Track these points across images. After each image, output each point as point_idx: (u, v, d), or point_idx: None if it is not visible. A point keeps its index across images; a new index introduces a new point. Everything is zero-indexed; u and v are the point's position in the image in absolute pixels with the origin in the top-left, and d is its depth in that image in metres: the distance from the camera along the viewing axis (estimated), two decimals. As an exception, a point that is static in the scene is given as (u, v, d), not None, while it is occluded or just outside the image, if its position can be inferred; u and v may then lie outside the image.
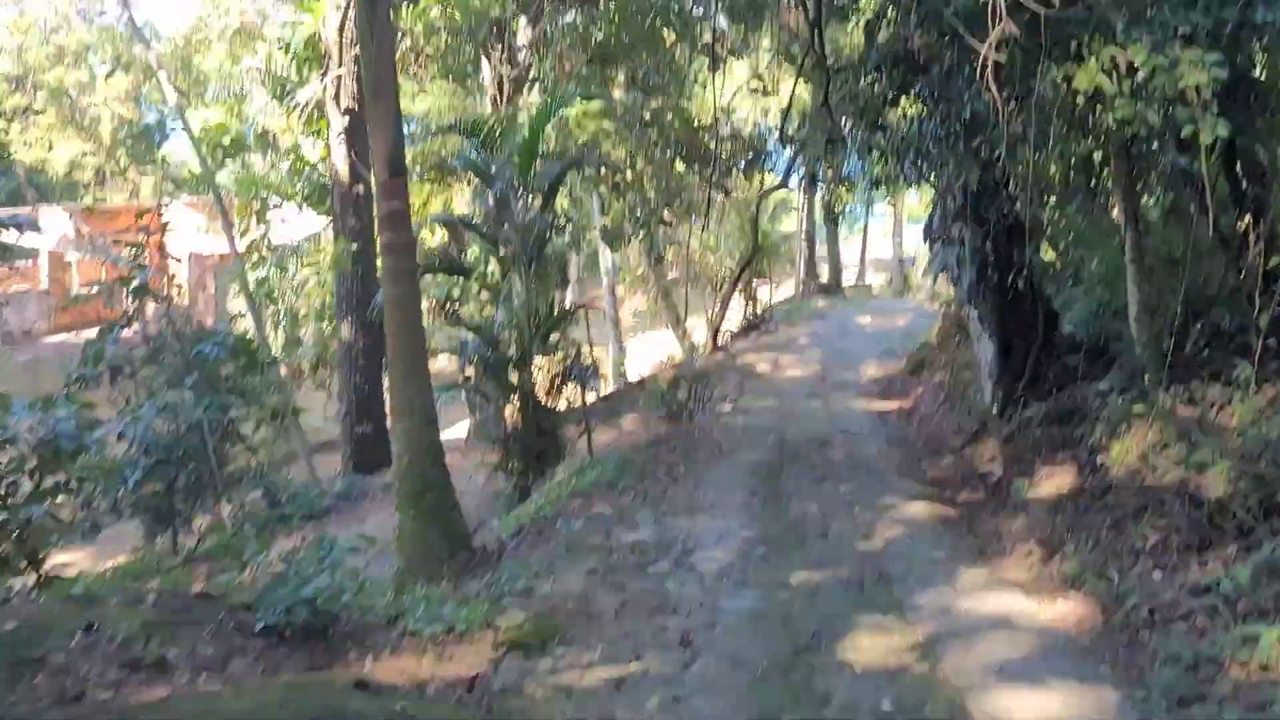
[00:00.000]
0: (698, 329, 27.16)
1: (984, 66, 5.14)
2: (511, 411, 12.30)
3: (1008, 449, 9.67)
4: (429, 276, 17.40)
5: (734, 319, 23.75)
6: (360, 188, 15.77)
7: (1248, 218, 7.98)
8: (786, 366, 19.66)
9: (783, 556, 7.22)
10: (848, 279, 32.31)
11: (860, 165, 21.24)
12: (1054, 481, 8.30)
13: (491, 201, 12.11)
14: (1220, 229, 8.00)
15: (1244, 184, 7.73)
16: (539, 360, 12.88)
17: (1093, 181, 8.15)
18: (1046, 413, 9.45)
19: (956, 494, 9.12)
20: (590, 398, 15.00)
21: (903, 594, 6.23)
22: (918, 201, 39.38)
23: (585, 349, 17.99)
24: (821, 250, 30.88)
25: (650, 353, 28.78)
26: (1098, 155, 7.63)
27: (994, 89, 5.25)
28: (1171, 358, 8.02)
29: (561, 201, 17.35)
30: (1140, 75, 5.45)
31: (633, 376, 26.00)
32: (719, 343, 21.68)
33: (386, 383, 10.86)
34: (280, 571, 5.27)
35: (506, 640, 5.10)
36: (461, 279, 14.72)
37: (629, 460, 10.49)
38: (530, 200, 12.49)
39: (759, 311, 23.82)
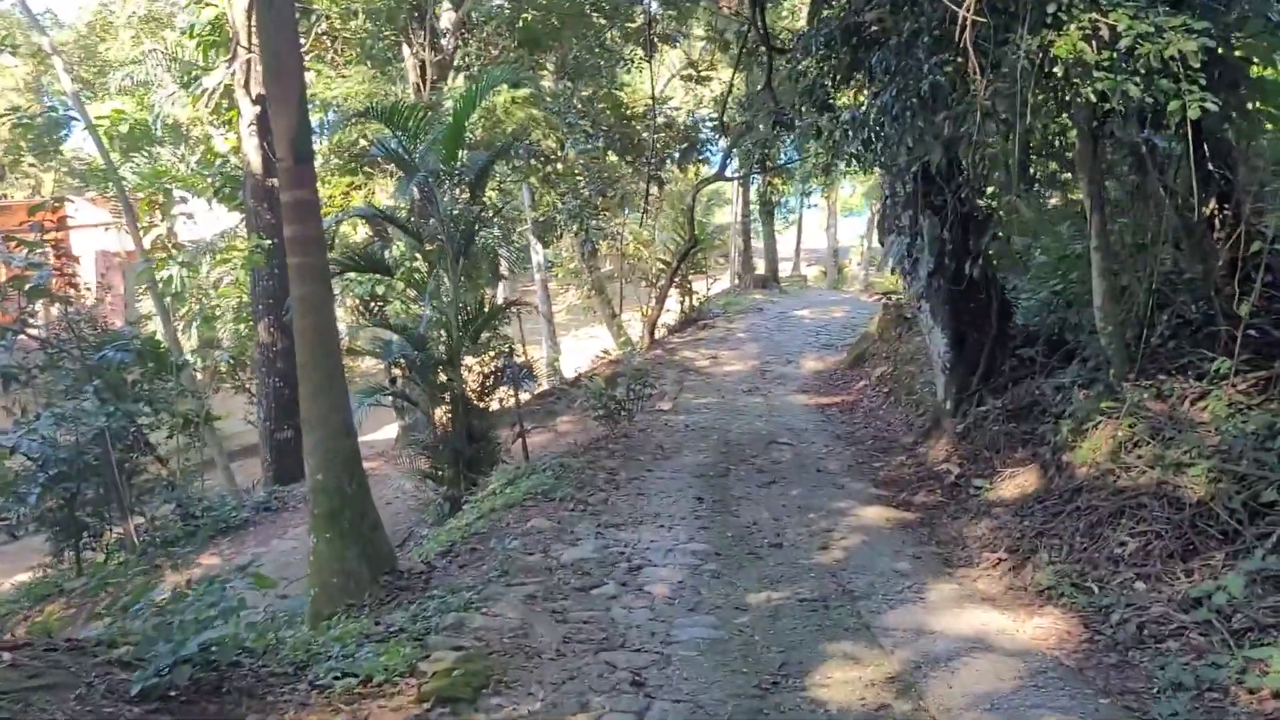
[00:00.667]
0: (633, 324, 26.59)
1: (962, 28, 4.62)
2: (441, 416, 11.57)
3: (963, 446, 9.25)
4: (353, 275, 16.62)
5: (671, 313, 23.23)
6: (274, 180, 14.82)
7: (1213, 202, 7.65)
8: (726, 361, 19.18)
9: (737, 572, 6.65)
10: (783, 271, 31.98)
11: (799, 154, 20.88)
12: (1017, 482, 7.88)
13: (417, 194, 11.32)
14: (1183, 214, 7.63)
15: (1209, 165, 7.35)
16: (469, 360, 12.18)
17: (1054, 163, 7.73)
18: (1003, 408, 9.04)
19: (913, 495, 8.65)
20: (525, 398, 14.33)
21: (870, 614, 5.70)
22: (851, 194, 39.43)
23: (518, 347, 17.32)
24: (756, 243, 30.53)
25: (585, 349, 28.14)
26: (1066, 134, 7.17)
27: (971, 53, 4.72)
28: (1137, 350, 7.65)
29: (490, 194, 16.61)
30: (1123, 44, 4.98)
31: (568, 374, 25.37)
32: (656, 338, 21.12)
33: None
34: (163, 619, 4.51)
35: (432, 692, 4.41)
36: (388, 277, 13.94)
37: (567, 466, 9.83)
38: (457, 191, 11.77)
39: (696, 305, 23.33)
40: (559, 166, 19.46)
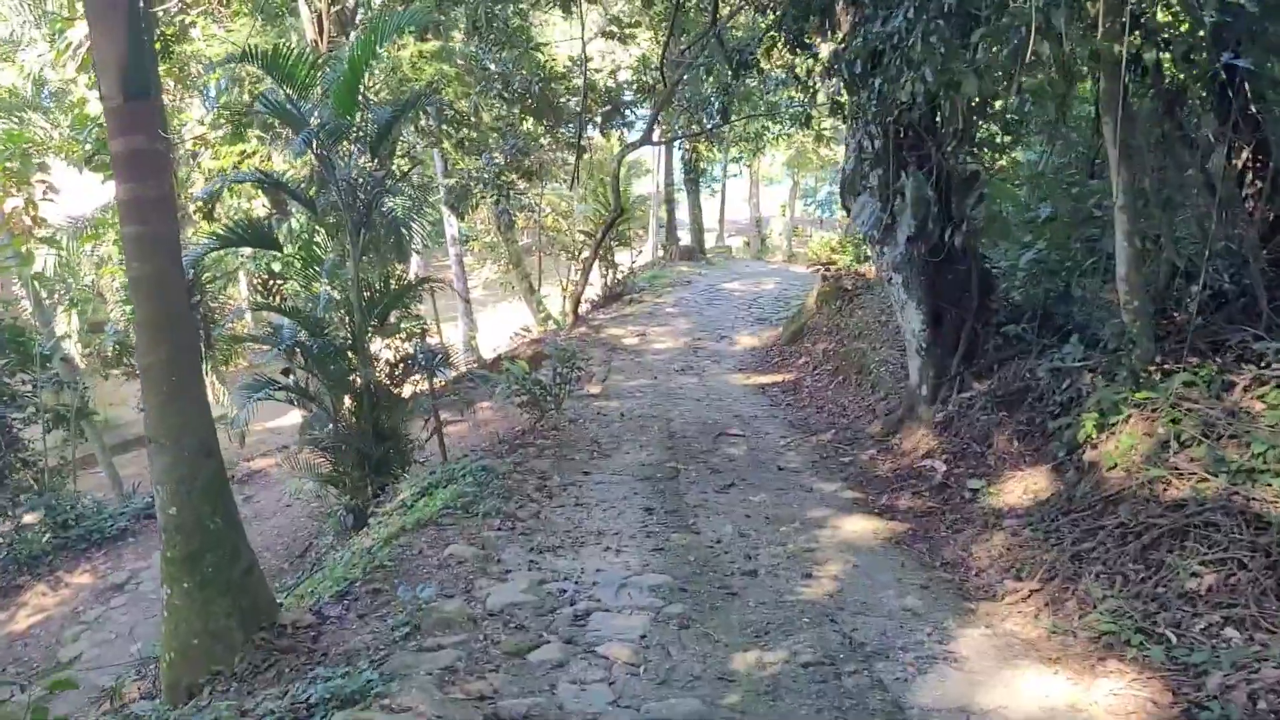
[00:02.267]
0: (553, 299, 24.93)
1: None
2: (345, 411, 9.90)
3: (946, 439, 7.99)
4: (246, 252, 14.64)
5: (594, 288, 21.69)
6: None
7: (1245, 153, 6.44)
8: (655, 338, 17.75)
9: (710, 617, 5.22)
10: (708, 242, 30.63)
11: (727, 117, 19.39)
12: (1024, 485, 6.62)
13: (312, 157, 9.52)
14: (1206, 169, 6.40)
15: (1245, 111, 6.13)
16: (378, 346, 10.51)
17: (1062, 105, 6.44)
18: (990, 393, 7.80)
19: (895, 498, 7.35)
20: (441, 385, 12.69)
21: (897, 684, 4.32)
22: (771, 163, 38.25)
23: (432, 328, 15.58)
24: (680, 215, 29.08)
25: (504, 326, 26.40)
26: (1085, 67, 5.84)
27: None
28: (1163, 326, 6.43)
29: (400, 161, 14.79)
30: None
31: (487, 354, 23.67)
32: (580, 314, 19.56)
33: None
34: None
35: None
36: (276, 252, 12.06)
37: (491, 471, 8.26)
38: (357, 153, 10.02)
39: (621, 279, 21.80)
40: (473, 133, 17.65)
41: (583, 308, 19.87)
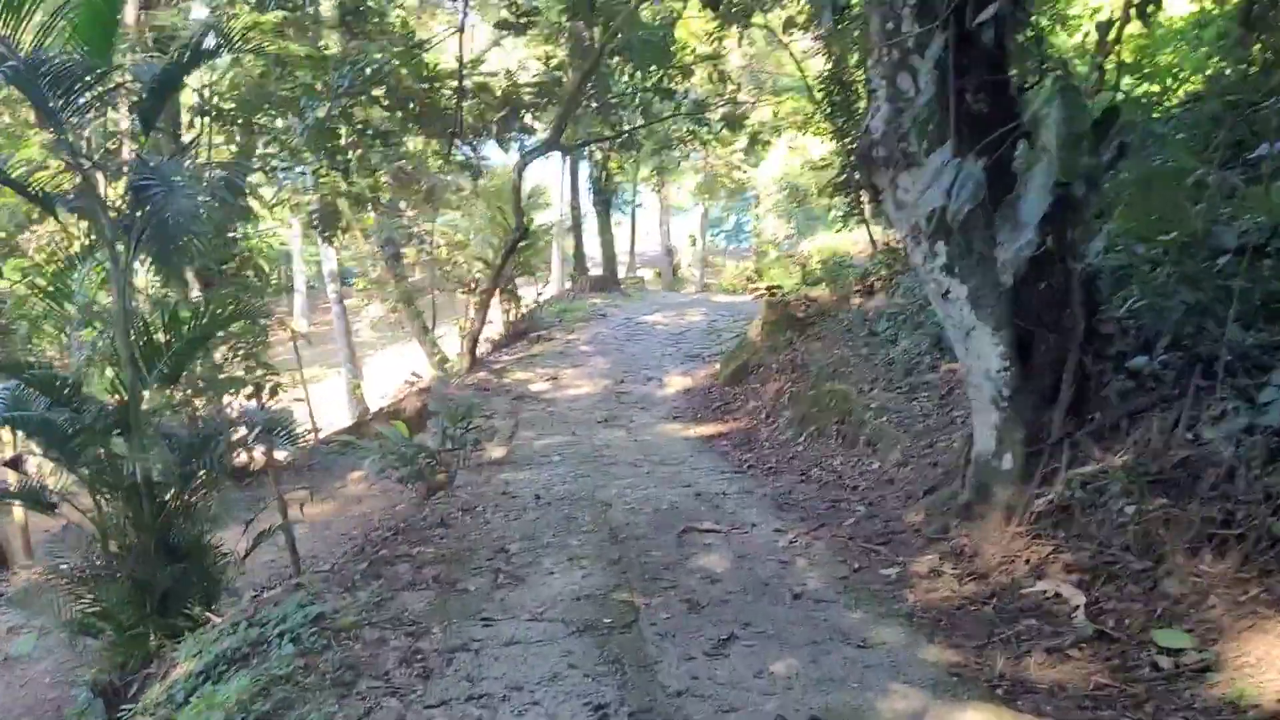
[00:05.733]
0: (450, 339, 21.37)
1: None
2: (116, 517, 6.28)
3: (1064, 544, 4.85)
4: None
5: (494, 325, 18.26)
6: None
7: None
8: (570, 383, 14.44)
9: None
10: (619, 273, 27.46)
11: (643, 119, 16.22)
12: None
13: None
14: None
15: None
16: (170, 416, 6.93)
17: None
18: (1133, 469, 4.71)
19: (1017, 663, 4.14)
20: (302, 453, 9.10)
21: None
22: (678, 191, 35.48)
23: (286, 380, 11.90)
24: (587, 244, 25.82)
25: (396, 372, 22.68)
26: None
27: None
28: None
29: (225, 148, 11.12)
30: None
31: (375, 403, 19.98)
32: (478, 356, 16.08)
33: None
34: None
35: None
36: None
37: (324, 628, 4.77)
38: (119, 120, 6.49)
39: (525, 314, 18.42)
40: (340, 139, 14.06)
41: (482, 348, 16.43)
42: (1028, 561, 4.92)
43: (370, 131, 15.03)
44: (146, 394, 6.08)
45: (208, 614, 5.79)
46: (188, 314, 6.35)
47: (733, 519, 6.75)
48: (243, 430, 6.29)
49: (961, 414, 7.48)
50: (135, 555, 6.04)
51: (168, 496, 6.11)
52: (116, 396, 5.94)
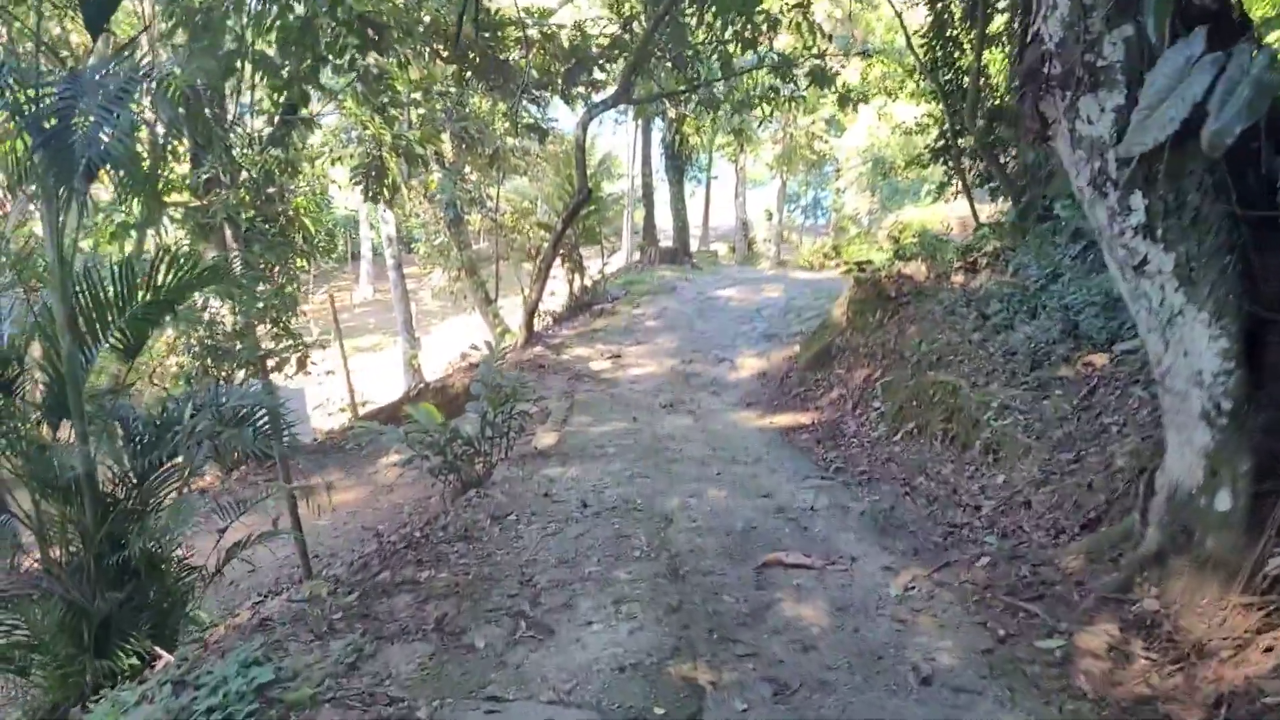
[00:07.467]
0: (513, 311, 20.15)
1: None
2: (56, 523, 5.04)
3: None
4: None
5: (557, 296, 16.92)
6: None
7: None
8: (633, 361, 13.01)
9: None
10: (691, 245, 25.90)
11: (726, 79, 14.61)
12: None
13: None
14: None
15: None
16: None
17: None
18: None
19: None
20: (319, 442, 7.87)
21: None
22: (754, 163, 33.65)
23: (317, 355, 10.67)
24: (659, 214, 24.28)
25: (458, 343, 21.55)
26: None
27: None
28: None
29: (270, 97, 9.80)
30: None
31: (432, 376, 18.83)
32: (536, 329, 14.74)
33: None
34: None
35: None
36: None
37: (275, 701, 3.43)
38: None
39: (589, 286, 17.01)
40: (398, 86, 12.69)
41: (541, 321, 15.08)
42: (1268, 650, 3.32)
43: (436, 88, 13.74)
44: (93, 368, 4.82)
45: (157, 649, 4.52)
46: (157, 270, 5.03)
47: (825, 547, 5.24)
48: (204, 421, 4.99)
49: (1114, 420, 5.84)
50: (71, 571, 4.81)
51: (121, 496, 4.85)
52: (52, 368, 4.69)
